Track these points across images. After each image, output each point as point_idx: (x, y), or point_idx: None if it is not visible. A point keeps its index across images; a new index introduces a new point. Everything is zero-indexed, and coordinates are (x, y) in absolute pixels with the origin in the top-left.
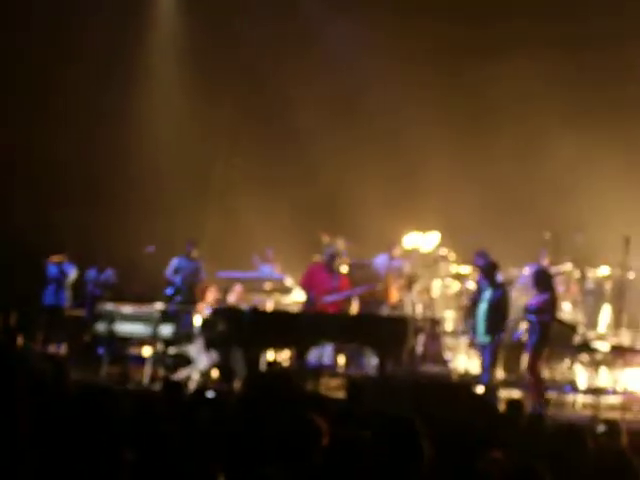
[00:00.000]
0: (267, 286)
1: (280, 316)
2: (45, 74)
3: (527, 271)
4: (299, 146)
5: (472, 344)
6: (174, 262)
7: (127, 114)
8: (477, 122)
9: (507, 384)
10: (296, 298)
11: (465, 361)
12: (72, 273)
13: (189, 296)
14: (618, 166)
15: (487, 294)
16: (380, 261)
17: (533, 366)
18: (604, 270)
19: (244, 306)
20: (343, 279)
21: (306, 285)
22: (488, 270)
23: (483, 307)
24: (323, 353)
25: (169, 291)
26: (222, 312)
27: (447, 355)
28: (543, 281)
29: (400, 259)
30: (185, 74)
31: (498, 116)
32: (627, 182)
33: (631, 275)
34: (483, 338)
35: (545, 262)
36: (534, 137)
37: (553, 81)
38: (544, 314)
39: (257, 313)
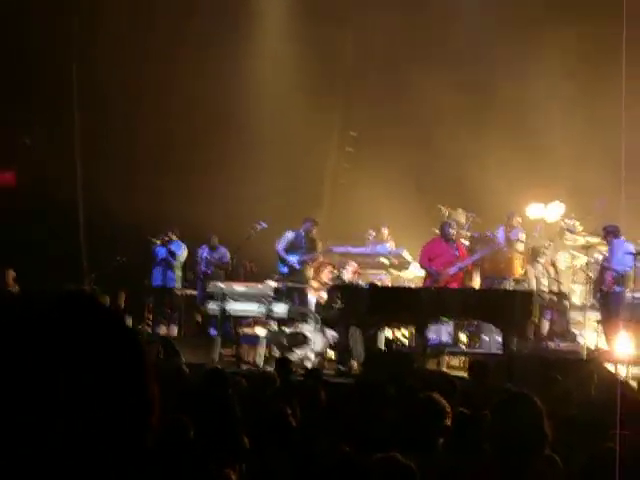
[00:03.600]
0: (384, 261)
1: (399, 292)
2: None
3: None
4: (413, 114)
5: (601, 320)
6: (288, 236)
7: (236, 83)
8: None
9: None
10: (415, 273)
11: (594, 337)
12: (181, 252)
13: (303, 274)
14: None
15: None
16: (498, 233)
17: None
18: None
19: (361, 283)
20: (462, 247)
21: (426, 261)
22: None
23: None
24: (443, 330)
25: (283, 269)
26: (339, 289)
27: (575, 331)
28: None
29: (517, 229)
30: (296, 38)
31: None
32: None
33: None
34: None
35: None
36: None
37: None
38: None
39: (375, 289)
